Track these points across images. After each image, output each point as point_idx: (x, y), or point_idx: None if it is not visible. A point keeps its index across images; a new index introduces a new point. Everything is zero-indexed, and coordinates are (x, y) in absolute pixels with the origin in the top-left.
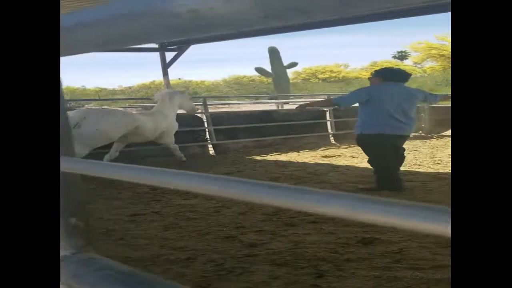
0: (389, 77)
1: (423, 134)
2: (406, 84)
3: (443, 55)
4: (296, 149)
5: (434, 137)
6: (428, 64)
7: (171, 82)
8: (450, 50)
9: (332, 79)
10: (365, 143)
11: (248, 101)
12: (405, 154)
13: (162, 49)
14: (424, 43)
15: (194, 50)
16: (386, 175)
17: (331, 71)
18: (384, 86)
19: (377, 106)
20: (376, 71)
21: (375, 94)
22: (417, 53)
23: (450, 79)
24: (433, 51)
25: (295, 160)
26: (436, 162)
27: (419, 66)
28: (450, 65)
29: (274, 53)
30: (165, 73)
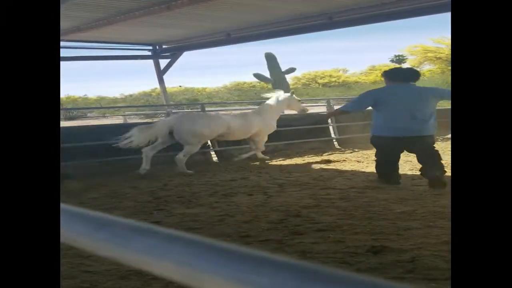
0: (396, 77)
1: None
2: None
3: (439, 58)
4: (300, 154)
5: (439, 139)
6: (426, 67)
7: (173, 89)
8: (446, 53)
9: (332, 84)
10: (376, 144)
11: (249, 107)
12: (434, 152)
13: (155, 56)
14: (419, 47)
15: (190, 58)
16: (390, 174)
17: (330, 76)
18: (391, 88)
19: (386, 108)
20: (384, 72)
21: (381, 97)
22: (413, 56)
23: (450, 81)
24: (429, 54)
25: (300, 166)
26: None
27: (417, 69)
28: (448, 67)
29: (271, 59)
30: (161, 80)
